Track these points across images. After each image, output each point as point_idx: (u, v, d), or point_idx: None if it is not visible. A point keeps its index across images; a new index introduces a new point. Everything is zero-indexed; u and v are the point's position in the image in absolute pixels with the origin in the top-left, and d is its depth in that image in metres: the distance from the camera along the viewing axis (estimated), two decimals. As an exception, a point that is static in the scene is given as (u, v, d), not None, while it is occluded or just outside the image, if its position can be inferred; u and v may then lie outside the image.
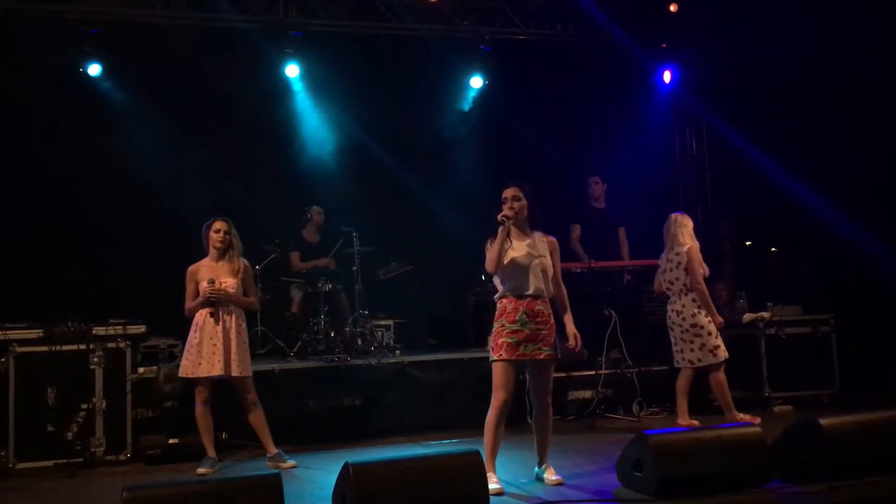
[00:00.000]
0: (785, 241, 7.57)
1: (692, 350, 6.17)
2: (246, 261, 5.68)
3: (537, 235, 4.63)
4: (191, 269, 5.58)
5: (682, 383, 6.30)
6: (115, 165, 8.11)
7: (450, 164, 9.27)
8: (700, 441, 4.23)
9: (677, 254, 6.27)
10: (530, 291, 4.53)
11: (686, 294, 6.21)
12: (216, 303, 5.42)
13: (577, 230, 8.13)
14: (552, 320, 4.59)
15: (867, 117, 7.54)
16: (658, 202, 9.33)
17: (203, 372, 5.37)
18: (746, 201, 8.79)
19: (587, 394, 7.11)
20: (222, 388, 5.57)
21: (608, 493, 4.30)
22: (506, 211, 4.54)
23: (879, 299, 7.34)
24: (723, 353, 6.11)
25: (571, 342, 4.65)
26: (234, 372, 5.39)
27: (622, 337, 7.13)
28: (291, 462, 5.51)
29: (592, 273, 7.43)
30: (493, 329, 4.59)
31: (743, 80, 8.48)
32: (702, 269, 6.19)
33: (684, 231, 6.33)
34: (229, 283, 5.49)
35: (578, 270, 7.56)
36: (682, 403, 6.29)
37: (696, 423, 6.27)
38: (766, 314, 7.36)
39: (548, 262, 4.59)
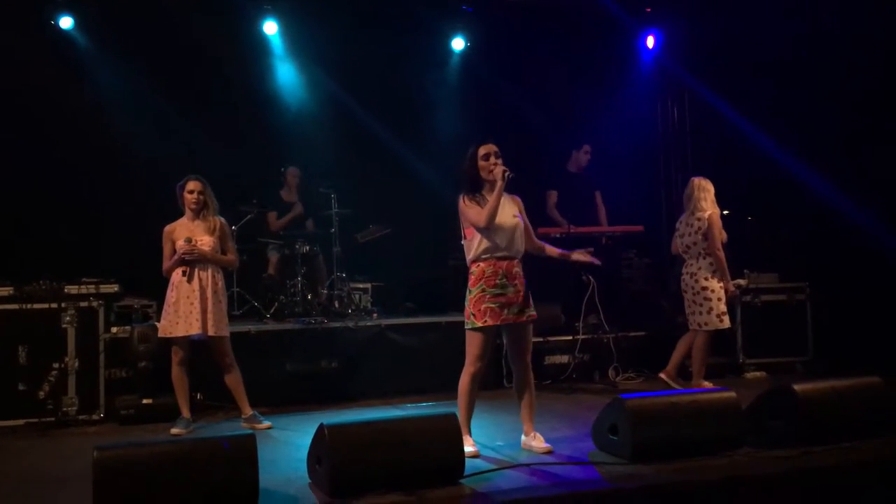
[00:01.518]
0: (766, 209, 7.56)
1: (700, 314, 6.23)
2: (222, 218, 5.61)
3: (507, 196, 4.56)
4: (167, 228, 5.51)
5: (697, 344, 6.30)
6: (88, 123, 7.92)
7: (430, 126, 9.15)
8: (675, 405, 4.25)
9: (698, 219, 6.27)
10: (511, 252, 4.49)
11: (703, 258, 6.24)
12: (192, 261, 5.35)
13: (553, 196, 8.09)
14: (525, 281, 4.55)
15: (851, 88, 7.52)
16: (639, 169, 9.34)
17: (180, 331, 5.31)
18: (728, 170, 8.76)
19: (564, 359, 7.12)
20: (198, 349, 5.52)
21: (584, 457, 4.31)
22: (504, 167, 4.44)
23: (855, 268, 7.39)
24: (727, 322, 6.18)
25: (586, 257, 4.74)
26: (211, 331, 5.34)
27: (600, 302, 7.14)
28: (267, 423, 5.49)
29: (571, 238, 7.39)
30: (472, 295, 4.49)
31: (726, 47, 8.41)
32: (721, 236, 6.21)
33: (706, 196, 6.32)
34: (206, 241, 5.43)
35: (557, 236, 7.52)
36: (697, 366, 6.31)
37: (708, 384, 6.26)
38: (742, 281, 7.38)
39: (521, 221, 4.55)
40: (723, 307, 6.16)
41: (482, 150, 4.53)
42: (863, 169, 7.41)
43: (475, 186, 4.55)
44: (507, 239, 4.48)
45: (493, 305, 4.42)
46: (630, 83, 9.54)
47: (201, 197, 5.49)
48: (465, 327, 4.52)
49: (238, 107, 8.54)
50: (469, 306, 4.50)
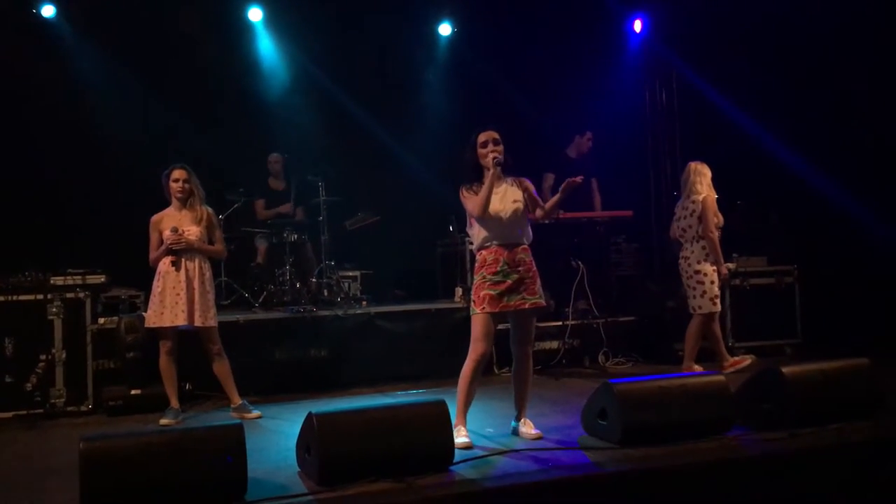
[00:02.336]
0: (754, 193, 7.58)
1: (695, 297, 6.28)
2: (209, 208, 5.57)
3: (509, 181, 4.52)
4: (154, 218, 5.47)
5: (709, 330, 6.35)
6: (72, 112, 7.87)
7: (418, 113, 9.13)
8: (664, 389, 4.25)
9: (693, 202, 6.31)
10: (511, 239, 4.43)
11: (697, 242, 6.28)
12: (179, 251, 5.31)
13: (550, 179, 8.07)
14: (534, 268, 4.49)
15: (839, 71, 7.52)
16: (627, 153, 9.32)
17: (167, 321, 5.28)
18: (716, 154, 8.76)
19: (554, 344, 7.13)
20: (187, 339, 5.49)
21: (573, 442, 4.31)
22: (495, 154, 4.38)
23: (844, 251, 7.42)
24: (718, 306, 6.25)
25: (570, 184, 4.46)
26: (198, 322, 5.31)
27: (589, 288, 7.14)
28: (256, 412, 5.48)
29: (560, 224, 7.39)
30: (475, 282, 4.48)
31: (714, 31, 8.40)
32: (715, 219, 6.24)
33: (702, 180, 6.35)
34: (193, 231, 5.39)
35: (547, 221, 7.50)
36: (718, 347, 6.37)
37: (738, 361, 6.35)
38: (731, 265, 7.40)
39: (522, 206, 4.47)
40: (716, 290, 6.20)
41: (481, 138, 4.48)
42: (851, 153, 7.42)
43: (475, 175, 4.49)
44: (505, 226, 4.41)
45: (491, 292, 4.36)
46: (618, 67, 9.52)
47: (187, 185, 5.44)
48: (470, 313, 4.49)
49: (224, 95, 8.49)
50: (472, 292, 4.49)
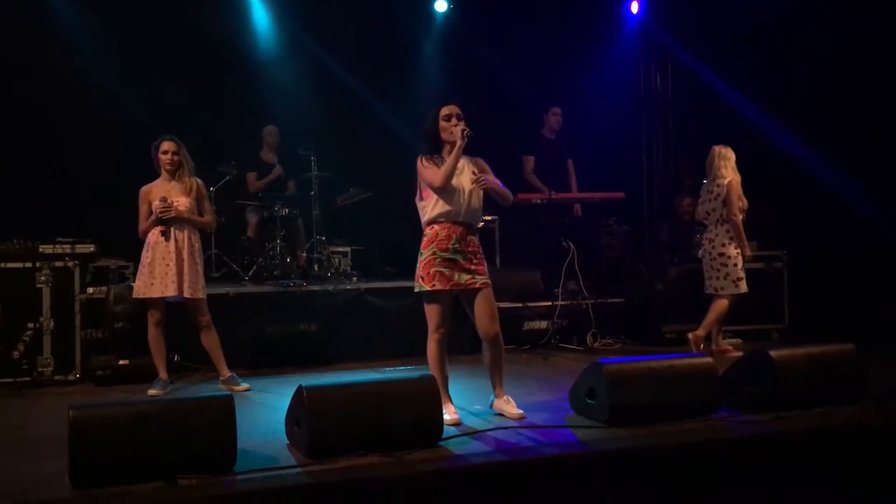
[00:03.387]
0: (745, 177, 7.57)
1: (717, 278, 6.35)
2: (199, 180, 5.54)
3: (465, 158, 4.46)
4: (143, 189, 5.44)
5: (714, 307, 6.42)
6: (63, 82, 7.76)
7: (412, 89, 9.07)
8: (653, 370, 4.28)
9: (718, 185, 6.36)
10: (466, 217, 4.39)
11: (721, 225, 6.35)
12: (168, 221, 5.29)
13: (531, 161, 8.06)
14: (481, 250, 4.47)
15: (834, 56, 7.51)
16: (620, 134, 9.31)
17: (156, 292, 5.26)
18: (709, 138, 8.77)
19: (543, 324, 7.14)
20: (175, 311, 5.48)
21: (561, 421, 4.33)
22: (463, 127, 4.32)
23: (833, 236, 7.45)
24: (743, 287, 6.29)
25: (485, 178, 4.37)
26: (186, 293, 5.29)
27: (579, 269, 7.16)
28: (245, 385, 5.48)
29: (552, 204, 7.39)
30: (422, 257, 4.39)
31: (711, 14, 8.38)
32: (740, 203, 6.31)
33: (727, 164, 6.40)
34: (182, 202, 5.36)
35: (538, 202, 7.51)
36: (716, 332, 6.50)
37: (729, 347, 6.49)
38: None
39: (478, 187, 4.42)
40: (739, 272, 6.28)
41: (444, 111, 4.42)
42: (842, 138, 7.44)
43: (435, 147, 4.45)
44: (464, 202, 4.37)
45: (442, 269, 4.31)
46: (613, 49, 9.49)
47: (176, 157, 5.41)
48: (415, 290, 4.43)
49: (217, 67, 8.41)
50: (419, 269, 4.40)
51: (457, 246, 4.35)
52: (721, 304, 6.35)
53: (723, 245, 6.32)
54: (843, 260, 7.41)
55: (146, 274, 5.29)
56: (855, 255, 7.37)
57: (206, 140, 7.41)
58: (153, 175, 5.52)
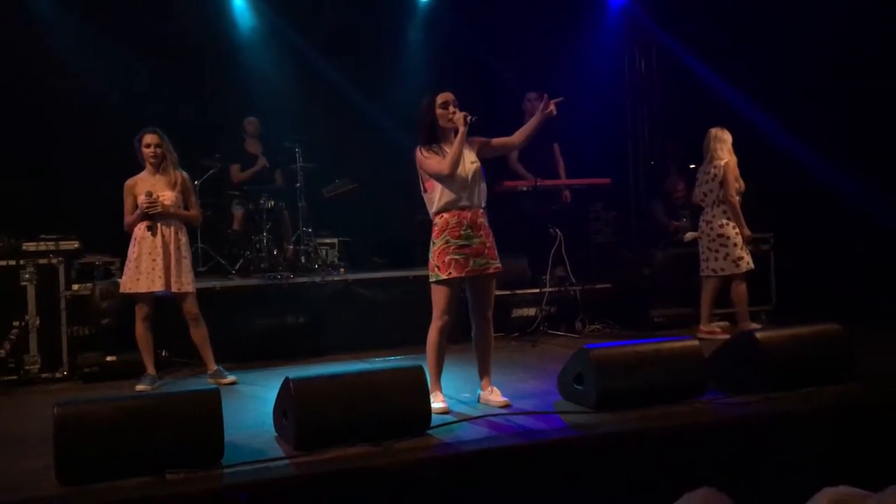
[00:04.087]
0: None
1: (716, 259, 6.39)
2: (184, 173, 5.50)
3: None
4: (128, 183, 5.39)
5: (706, 292, 6.50)
6: (44, 75, 7.69)
7: (397, 79, 9.04)
8: (639, 354, 4.29)
9: (714, 167, 6.40)
10: (473, 202, 4.39)
11: (718, 206, 6.40)
12: (154, 216, 5.26)
13: (515, 151, 8.01)
14: (491, 233, 4.48)
15: (819, 42, 7.51)
16: (606, 120, 9.30)
17: (142, 287, 5.24)
18: (694, 123, 8.78)
19: (531, 311, 7.15)
20: (163, 306, 5.45)
21: (549, 406, 4.34)
22: (465, 113, 4.30)
23: (818, 218, 7.47)
24: (745, 265, 6.33)
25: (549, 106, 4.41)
26: (174, 287, 5.27)
27: (567, 255, 7.17)
28: (231, 378, 5.46)
29: (538, 192, 7.39)
30: (435, 247, 4.40)
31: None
32: (737, 184, 6.35)
33: (723, 146, 6.45)
34: (167, 195, 5.33)
35: (524, 189, 7.50)
36: (706, 311, 6.55)
37: (717, 329, 6.51)
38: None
39: (480, 167, 4.44)
40: (738, 252, 6.31)
41: (440, 99, 4.40)
42: (827, 122, 7.45)
43: (432, 137, 4.43)
44: (468, 188, 4.37)
45: (457, 257, 4.32)
46: (598, 34, 9.46)
47: (158, 150, 5.37)
48: (430, 280, 4.44)
49: (199, 59, 8.36)
50: (433, 258, 4.41)
51: (468, 231, 4.35)
52: (709, 289, 6.40)
53: (721, 226, 6.35)
54: (829, 242, 7.43)
55: (132, 269, 5.26)
56: (841, 237, 7.40)
57: (189, 134, 7.34)
58: (137, 169, 5.48)
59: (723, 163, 6.36)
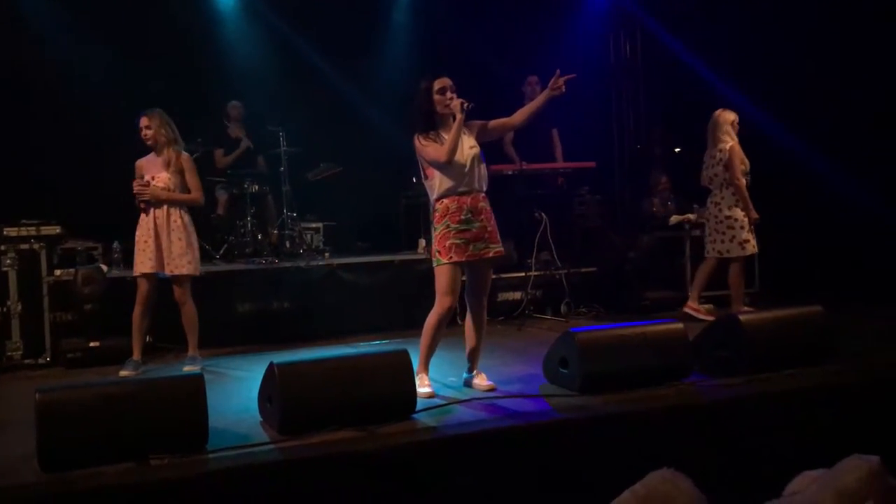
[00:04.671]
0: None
1: (722, 241, 6.38)
2: (184, 153, 5.43)
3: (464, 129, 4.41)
4: (137, 163, 5.44)
5: (702, 271, 6.55)
6: (26, 60, 7.58)
7: (381, 63, 8.99)
8: (624, 338, 4.31)
9: (720, 150, 6.38)
10: (473, 186, 4.37)
11: (726, 188, 6.38)
12: (147, 199, 5.27)
13: (510, 133, 8.00)
14: (493, 216, 4.47)
15: (809, 26, 7.51)
16: (591, 104, 9.27)
17: (137, 269, 5.28)
18: (679, 108, 8.78)
19: (517, 295, 7.17)
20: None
21: (534, 390, 4.36)
22: (462, 100, 4.28)
23: (801, 203, 7.51)
24: (751, 248, 6.34)
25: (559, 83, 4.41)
26: (167, 269, 5.27)
27: (552, 239, 7.17)
28: (196, 367, 5.24)
29: (523, 175, 7.38)
30: (437, 232, 4.38)
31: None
32: (742, 166, 6.34)
33: (727, 128, 6.42)
34: (161, 177, 5.31)
35: (510, 173, 7.50)
36: (697, 290, 6.59)
37: (702, 310, 6.53)
38: (692, 216, 7.49)
39: (479, 151, 4.42)
40: (745, 235, 6.31)
41: (437, 84, 4.36)
42: (808, 104, 7.48)
43: (430, 124, 4.39)
44: (467, 173, 4.34)
45: (458, 241, 4.31)
46: (582, 18, 9.43)
47: (149, 132, 5.34)
48: (433, 265, 4.43)
49: (182, 42, 8.25)
50: (434, 243, 4.41)
51: (469, 216, 4.34)
52: (706, 268, 6.47)
53: (729, 208, 6.35)
54: (812, 225, 7.47)
55: (135, 251, 5.35)
56: (822, 219, 7.44)
57: (172, 118, 7.29)
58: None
59: (728, 146, 6.33)
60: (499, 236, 4.47)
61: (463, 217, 4.34)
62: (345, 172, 8.21)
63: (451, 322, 5.66)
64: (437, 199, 4.42)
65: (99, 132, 7.34)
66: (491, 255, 4.40)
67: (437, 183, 4.40)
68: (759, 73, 7.84)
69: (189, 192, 5.44)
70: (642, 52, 9.66)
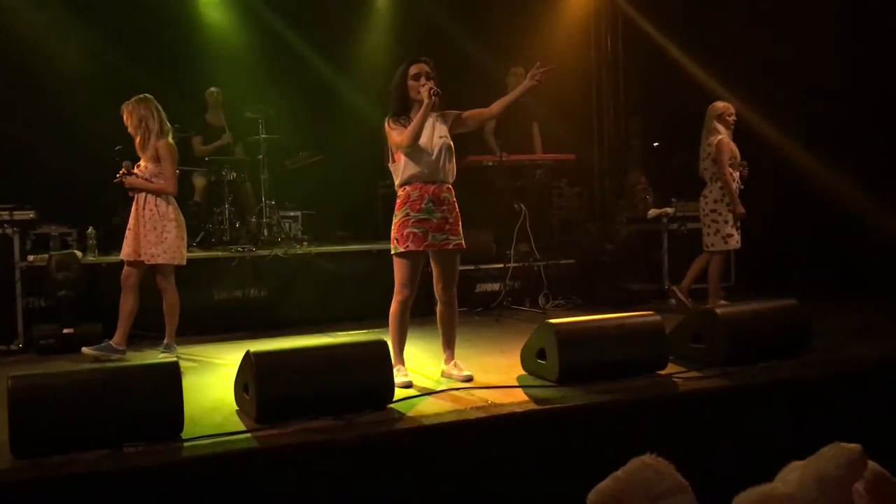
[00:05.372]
0: (694, 140, 7.68)
1: (709, 234, 6.41)
2: (162, 140, 5.32)
3: (434, 115, 4.38)
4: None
5: (696, 262, 6.57)
6: (1, 43, 7.47)
7: (362, 51, 8.95)
8: (602, 329, 4.32)
9: (709, 144, 6.39)
10: (437, 176, 4.35)
11: (715, 182, 6.39)
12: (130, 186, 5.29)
13: (491, 123, 7.97)
14: (457, 208, 4.45)
15: (796, 21, 7.55)
16: (571, 97, 9.29)
17: (121, 255, 5.30)
18: (660, 101, 8.81)
19: (495, 286, 7.17)
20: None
21: (512, 381, 4.36)
22: (431, 86, 4.24)
23: (778, 196, 7.57)
24: (734, 243, 6.34)
25: (538, 74, 4.37)
26: (143, 257, 5.25)
27: (531, 231, 7.18)
28: (170, 356, 5.19)
29: (503, 167, 7.38)
30: (396, 219, 4.36)
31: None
32: (733, 160, 6.32)
33: (718, 122, 6.41)
34: (142, 166, 5.29)
35: (490, 164, 7.49)
36: (688, 280, 6.63)
37: (684, 297, 6.56)
38: (669, 209, 7.53)
39: (449, 142, 4.40)
40: (729, 229, 6.31)
41: (413, 70, 4.33)
42: (786, 97, 7.53)
43: (403, 108, 4.37)
44: (434, 162, 4.32)
45: (416, 230, 4.28)
46: (563, 10, 9.43)
47: (128, 123, 5.29)
48: (391, 252, 4.42)
49: (161, 27, 8.17)
50: (393, 230, 4.38)
51: (430, 206, 4.31)
52: (712, 266, 6.43)
53: (715, 202, 6.37)
54: (789, 219, 7.54)
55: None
56: (799, 214, 7.50)
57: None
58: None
59: (716, 139, 6.33)
60: (460, 229, 4.44)
61: (424, 206, 4.31)
62: (324, 161, 8.17)
63: (428, 312, 5.69)
64: (401, 186, 4.39)
65: (74, 116, 7.24)
66: (451, 247, 4.37)
67: (401, 168, 4.36)
68: (743, 64, 7.86)
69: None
70: (624, 44, 9.67)
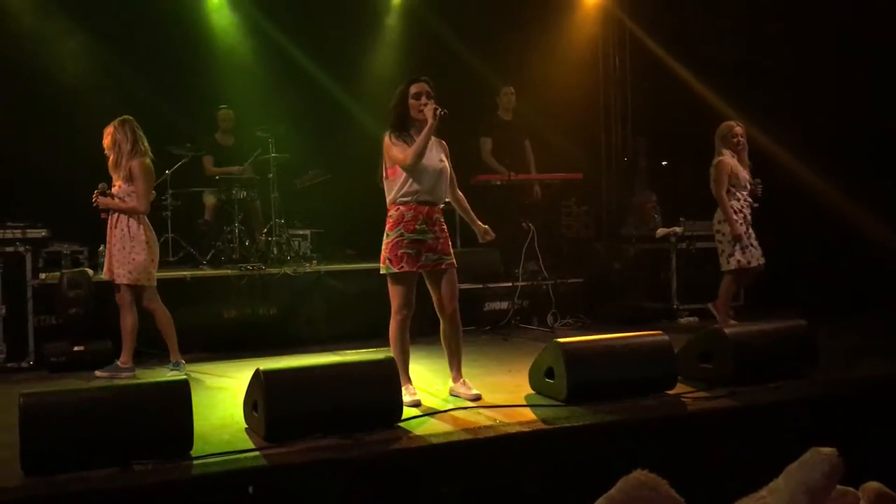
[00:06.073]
0: (702, 159, 7.70)
1: (719, 255, 6.40)
2: (136, 160, 5.28)
3: (434, 139, 4.41)
4: None
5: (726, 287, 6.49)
6: (13, 62, 7.56)
7: (371, 71, 9.01)
8: (610, 348, 4.32)
9: (713, 165, 6.37)
10: (433, 197, 4.37)
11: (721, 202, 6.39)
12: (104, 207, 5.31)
13: (488, 143, 7.97)
14: (447, 230, 4.48)
15: (798, 36, 7.59)
16: (579, 115, 9.34)
17: (103, 274, 5.34)
18: (668, 119, 8.83)
19: (503, 305, 7.18)
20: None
21: (520, 401, 4.36)
22: (435, 106, 4.26)
23: (788, 217, 7.56)
24: (734, 263, 6.27)
25: (486, 235, 4.64)
26: (113, 276, 5.25)
27: (539, 250, 7.20)
28: (180, 373, 5.26)
29: (511, 186, 7.41)
30: (389, 239, 4.35)
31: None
32: (735, 180, 6.27)
33: (720, 143, 6.40)
34: (117, 186, 5.30)
35: (498, 183, 7.52)
36: (723, 308, 6.53)
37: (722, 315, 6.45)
38: (678, 229, 7.54)
39: (448, 166, 4.45)
40: (730, 249, 6.28)
41: (413, 89, 4.35)
42: (795, 116, 7.54)
43: (403, 126, 4.39)
44: (431, 182, 4.34)
45: (409, 251, 4.29)
46: (572, 27, 9.49)
47: (104, 143, 5.33)
48: (381, 272, 4.42)
49: (172, 47, 8.25)
50: (385, 251, 4.37)
51: (423, 227, 4.33)
52: (722, 286, 6.41)
53: (719, 222, 6.38)
54: (798, 240, 7.53)
55: None
56: (809, 235, 7.49)
57: (161, 122, 7.28)
58: (104, 159, 5.44)
59: (715, 160, 6.34)
60: (451, 248, 4.47)
61: (418, 227, 4.32)
62: (333, 180, 8.21)
63: (434, 331, 5.70)
64: (393, 203, 4.39)
65: (86, 135, 7.29)
66: (444, 266, 4.39)
67: (397, 185, 4.36)
68: (750, 83, 7.89)
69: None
70: (632, 63, 9.72)
